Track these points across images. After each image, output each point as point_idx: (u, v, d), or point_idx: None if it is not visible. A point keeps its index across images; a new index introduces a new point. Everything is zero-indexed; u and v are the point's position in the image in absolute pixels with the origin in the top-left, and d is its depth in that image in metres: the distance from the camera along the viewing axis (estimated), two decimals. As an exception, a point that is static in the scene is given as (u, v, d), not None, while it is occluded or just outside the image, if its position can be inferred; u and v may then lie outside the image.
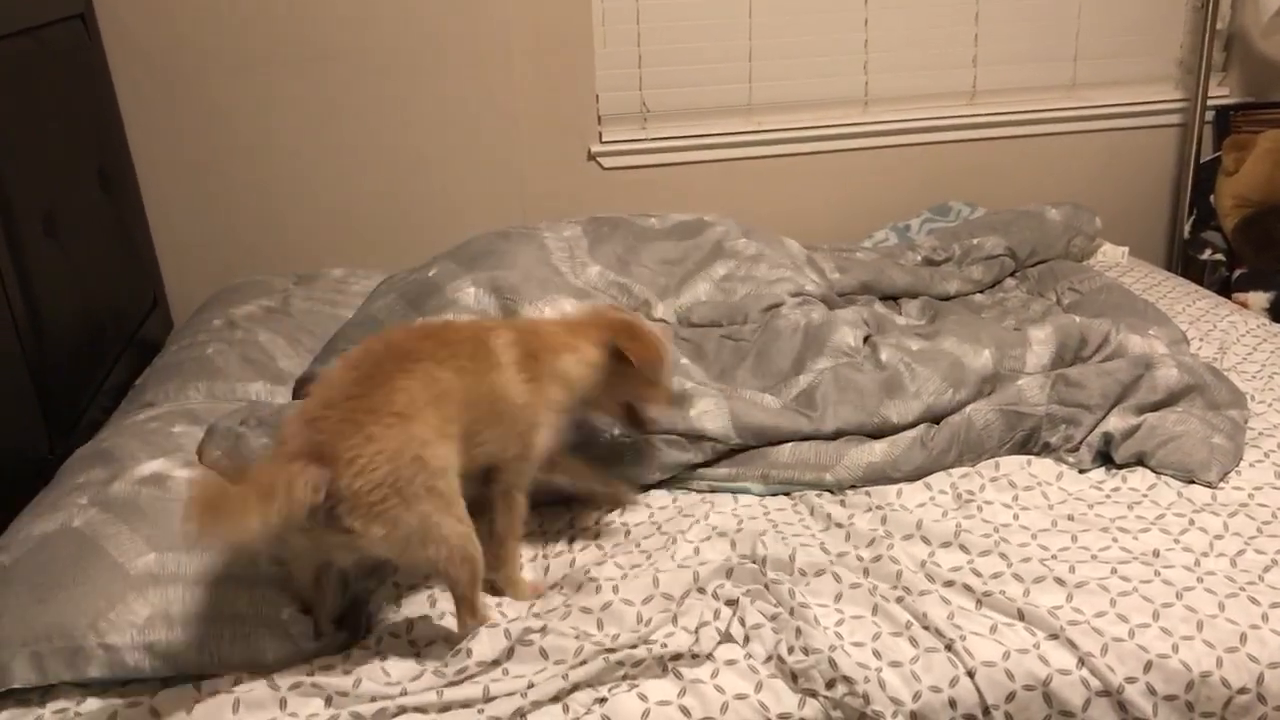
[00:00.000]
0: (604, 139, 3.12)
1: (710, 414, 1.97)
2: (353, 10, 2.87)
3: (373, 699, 1.44)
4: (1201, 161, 3.22)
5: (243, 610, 1.52)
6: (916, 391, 2.02)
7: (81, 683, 1.48)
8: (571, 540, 1.81)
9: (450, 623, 1.58)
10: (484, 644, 1.52)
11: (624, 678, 1.49)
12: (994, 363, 2.08)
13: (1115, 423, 1.98)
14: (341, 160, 3.00)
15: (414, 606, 1.65)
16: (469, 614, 1.55)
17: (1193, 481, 1.87)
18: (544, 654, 1.52)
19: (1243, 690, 1.48)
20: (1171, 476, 1.89)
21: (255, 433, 1.87)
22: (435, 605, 1.64)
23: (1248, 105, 3.28)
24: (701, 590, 1.64)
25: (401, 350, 1.55)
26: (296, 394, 2.12)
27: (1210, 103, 3.24)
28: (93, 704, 1.46)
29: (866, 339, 2.20)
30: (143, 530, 1.59)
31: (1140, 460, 1.93)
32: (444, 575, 1.53)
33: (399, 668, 1.51)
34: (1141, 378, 2.03)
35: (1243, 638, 1.52)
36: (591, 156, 3.11)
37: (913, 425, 1.99)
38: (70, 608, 1.48)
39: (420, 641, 1.56)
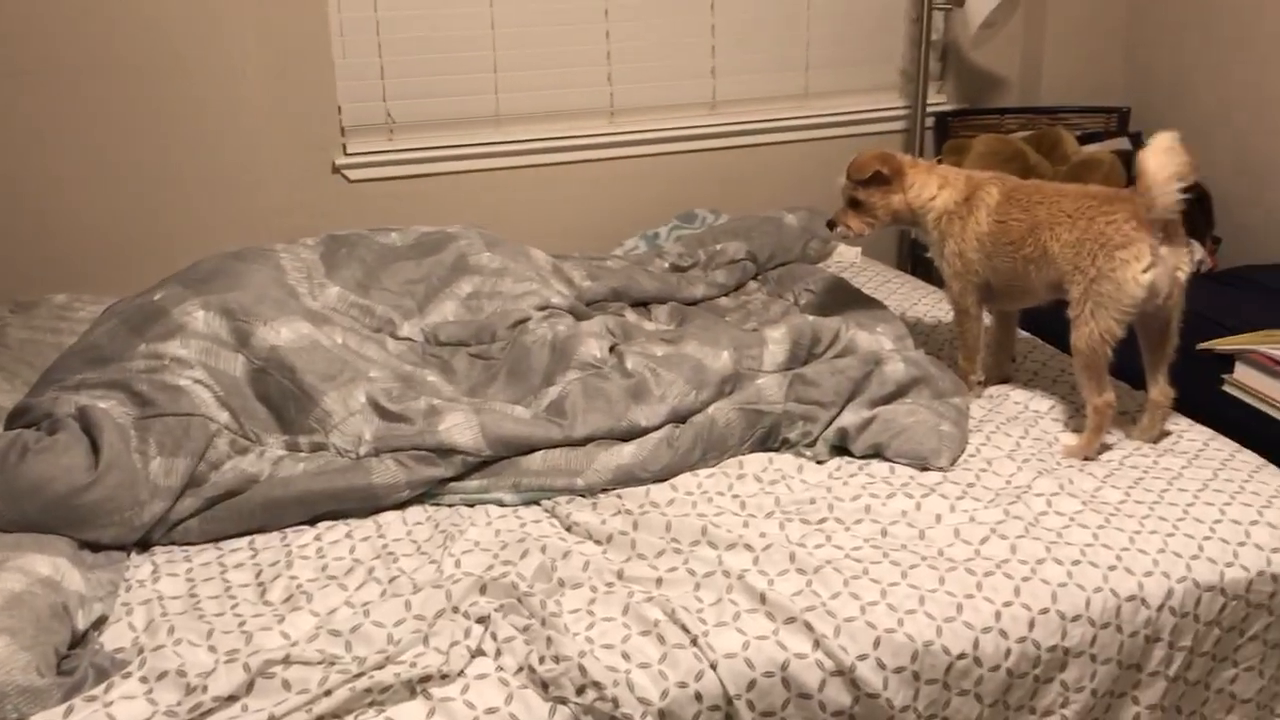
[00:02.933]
0: (349, 151, 3.05)
1: (460, 427, 1.96)
2: (71, 21, 2.70)
3: (97, 751, 1.36)
4: (924, 165, 3.43)
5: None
6: (662, 395, 2.07)
7: None
8: (323, 564, 1.76)
9: (186, 652, 1.51)
10: (221, 679, 1.45)
11: (371, 704, 1.46)
12: (733, 363, 2.15)
13: (850, 418, 2.07)
14: (63, 179, 2.81)
15: (148, 637, 1.57)
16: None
17: (926, 468, 1.99)
18: (286, 685, 1.47)
19: (961, 655, 1.59)
20: (907, 464, 2.00)
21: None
22: (173, 633, 1.56)
23: (964, 111, 3.52)
24: (455, 609, 1.62)
25: None
26: (9, 427, 1.97)
27: (930, 109, 3.46)
28: None
29: (613, 348, 2.23)
30: None
31: (878, 452, 2.03)
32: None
33: (127, 710, 1.42)
34: (871, 373, 2.14)
35: (959, 607, 1.62)
36: (336, 169, 3.04)
37: (660, 427, 2.03)
38: None
39: (151, 677, 1.48)
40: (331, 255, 2.39)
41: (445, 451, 1.94)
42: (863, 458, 2.04)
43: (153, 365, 1.97)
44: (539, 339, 2.22)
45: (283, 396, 1.99)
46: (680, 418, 2.06)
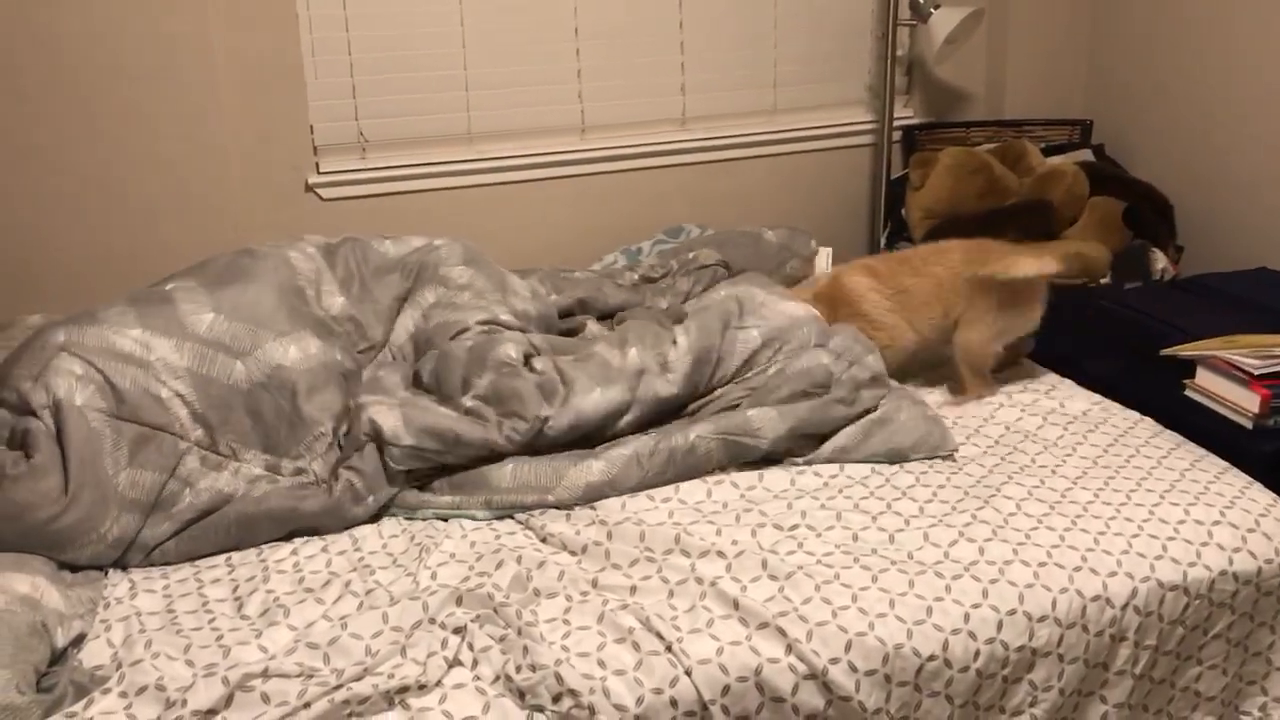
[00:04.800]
0: (321, 170, 3.06)
1: (381, 413, 1.98)
2: (38, 44, 2.70)
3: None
4: (892, 178, 3.47)
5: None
6: (566, 396, 2.06)
7: None
8: (300, 578, 1.77)
9: (165, 666, 1.52)
10: (200, 693, 1.47)
11: (350, 715, 1.48)
12: (640, 360, 2.16)
13: (850, 431, 2.10)
14: (36, 200, 2.81)
15: (127, 653, 1.58)
16: None
17: (940, 456, 2.07)
18: (265, 698, 1.48)
19: (931, 658, 1.61)
20: (924, 457, 2.06)
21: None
22: (151, 649, 1.57)
23: (929, 125, 3.57)
24: (432, 620, 1.64)
25: None
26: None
27: (897, 123, 3.49)
28: None
29: (528, 359, 2.20)
30: None
31: (893, 454, 2.07)
32: None
33: (107, 727, 1.43)
34: (828, 387, 2.17)
35: (929, 610, 1.65)
36: (310, 188, 3.05)
37: (569, 427, 2.03)
38: None
39: (131, 692, 1.49)
40: (331, 257, 2.36)
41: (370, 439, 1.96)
42: (874, 462, 2.07)
43: (140, 358, 1.95)
44: (460, 345, 2.20)
45: (277, 417, 2.00)
46: (586, 416, 2.05)
